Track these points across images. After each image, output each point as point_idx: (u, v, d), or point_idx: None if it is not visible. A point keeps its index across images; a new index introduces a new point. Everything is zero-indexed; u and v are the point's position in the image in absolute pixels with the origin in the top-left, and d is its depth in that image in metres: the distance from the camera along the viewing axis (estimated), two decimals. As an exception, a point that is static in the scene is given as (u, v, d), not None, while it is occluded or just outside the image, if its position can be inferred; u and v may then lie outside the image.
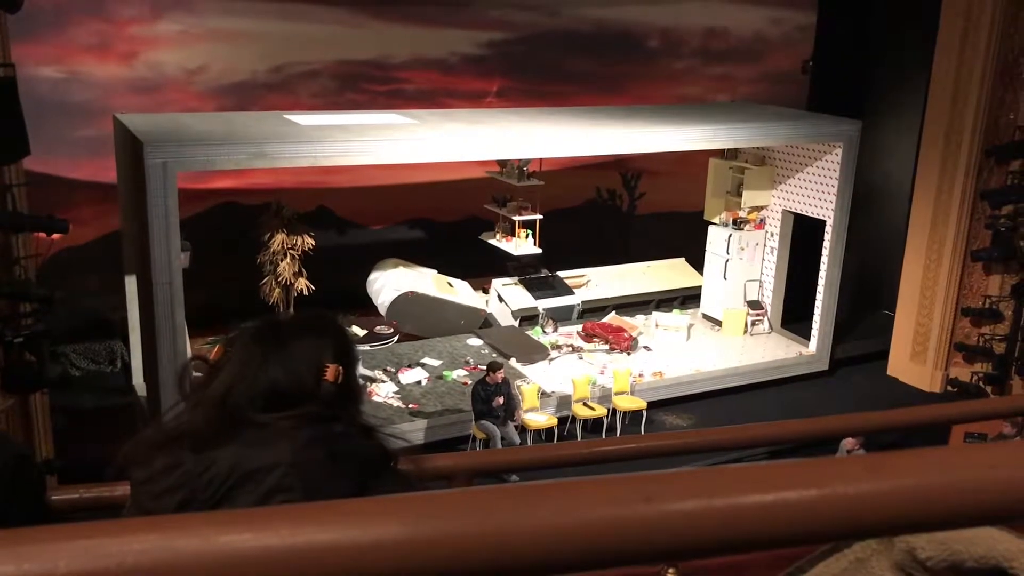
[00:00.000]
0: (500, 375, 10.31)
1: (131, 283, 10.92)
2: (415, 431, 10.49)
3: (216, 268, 13.30)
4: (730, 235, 13.86)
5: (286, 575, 0.60)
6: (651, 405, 11.56)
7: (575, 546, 0.62)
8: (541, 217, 13.28)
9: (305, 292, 12.54)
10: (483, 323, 13.74)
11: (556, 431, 10.95)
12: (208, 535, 0.61)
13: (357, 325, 12.24)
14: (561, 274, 14.61)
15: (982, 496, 0.65)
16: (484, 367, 10.95)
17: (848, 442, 8.68)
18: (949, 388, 13.05)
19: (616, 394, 11.56)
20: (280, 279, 12.36)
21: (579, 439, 10.82)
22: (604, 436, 10.92)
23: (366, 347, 12.04)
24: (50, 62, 12.33)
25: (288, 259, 12.30)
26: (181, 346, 9.53)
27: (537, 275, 14.44)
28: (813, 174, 13.24)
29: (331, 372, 1.60)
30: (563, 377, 11.83)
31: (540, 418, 10.91)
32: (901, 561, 0.98)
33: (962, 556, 0.94)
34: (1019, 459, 0.67)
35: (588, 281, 14.93)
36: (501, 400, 10.13)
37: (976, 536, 0.93)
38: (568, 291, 14.37)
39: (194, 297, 10.42)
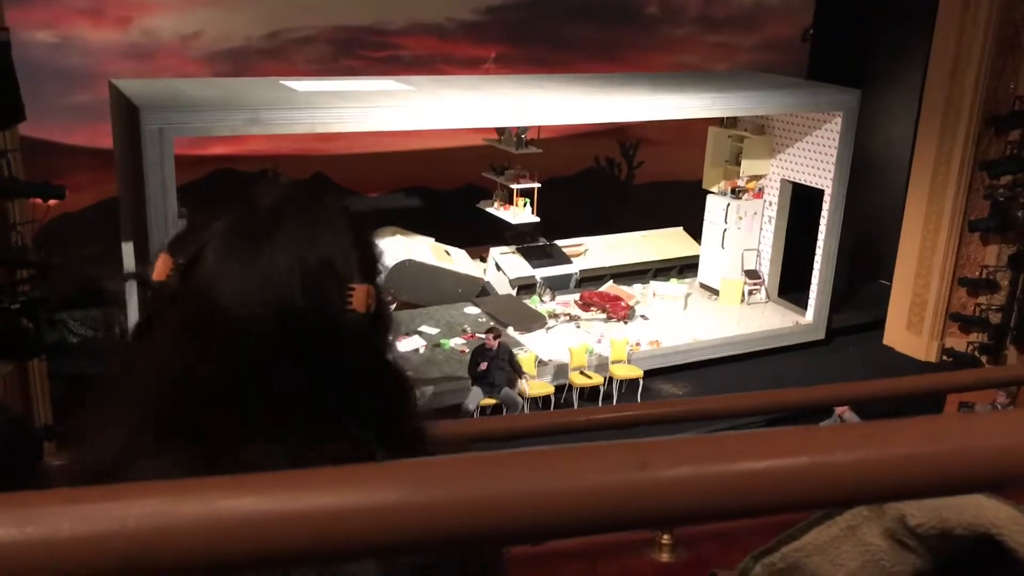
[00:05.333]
0: (493, 340, 10.32)
1: (128, 250, 10.90)
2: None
3: (213, 235, 13.23)
4: (728, 204, 13.84)
5: (287, 539, 0.61)
6: (648, 374, 11.61)
7: (570, 511, 0.63)
8: (539, 185, 13.24)
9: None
10: (480, 292, 13.75)
11: (553, 399, 11.01)
12: (210, 499, 0.61)
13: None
14: (559, 243, 14.59)
15: (974, 464, 0.66)
16: (481, 335, 10.99)
17: (840, 409, 8.75)
18: (944, 358, 13.10)
19: (613, 363, 11.61)
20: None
21: (576, 407, 10.88)
22: (601, 404, 10.98)
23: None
24: (44, 27, 12.20)
25: (285, 227, 12.26)
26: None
27: (535, 244, 14.43)
28: (812, 143, 13.19)
29: (360, 296, 0.97)
30: (560, 346, 11.87)
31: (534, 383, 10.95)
32: (892, 528, 0.99)
33: (951, 523, 0.95)
34: (1010, 427, 0.68)
35: (586, 250, 14.92)
36: (485, 365, 10.16)
37: (965, 503, 0.95)
38: (566, 260, 14.36)
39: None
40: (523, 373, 10.63)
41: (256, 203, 1.03)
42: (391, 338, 1.10)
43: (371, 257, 1.04)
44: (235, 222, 1.00)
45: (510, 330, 12.27)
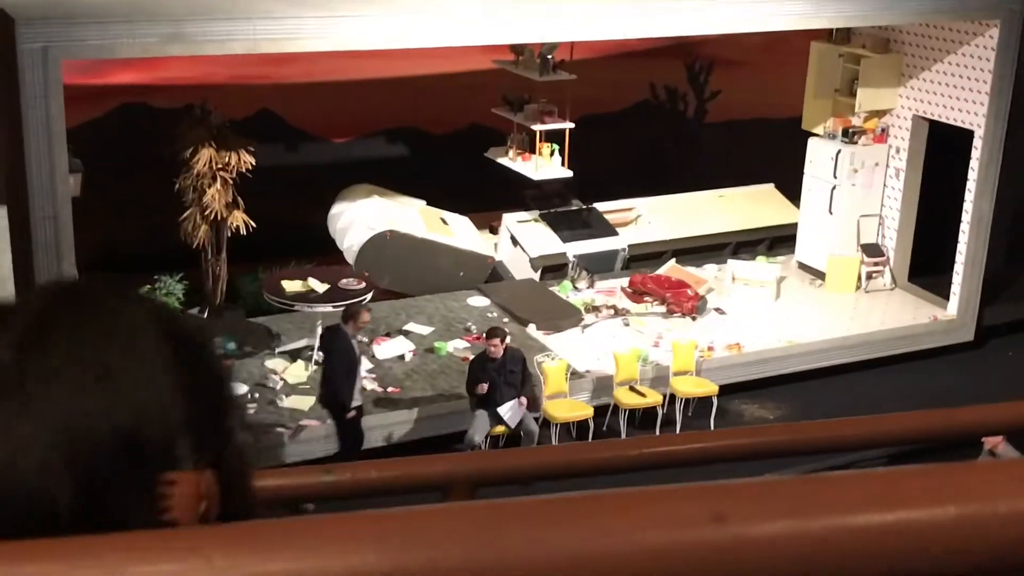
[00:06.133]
0: (499, 345, 10.25)
1: (0, 218, 10.96)
2: (395, 425, 10.57)
3: (118, 196, 13.33)
4: (839, 151, 13.76)
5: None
6: (724, 390, 11.59)
7: (619, 582, 0.63)
8: (572, 126, 13.20)
9: (242, 230, 12.56)
10: (490, 275, 13.74)
11: (592, 425, 11.01)
12: (117, 565, 0.62)
13: (315, 277, 12.29)
14: (600, 207, 14.55)
15: None
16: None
17: (991, 441, 8.71)
18: None
19: (675, 374, 11.59)
20: (208, 212, 12.38)
21: (623, 436, 10.87)
22: (658, 432, 10.97)
23: (328, 307, 12.10)
24: None
25: (218, 184, 12.31)
26: (71, 305, 9.58)
27: (566, 208, 14.40)
28: (957, 65, 13.08)
29: (184, 494, 0.86)
30: (602, 351, 11.86)
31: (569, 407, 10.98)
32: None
33: None
34: None
35: (638, 217, 14.88)
36: (485, 388, 10.14)
37: None
38: (609, 231, 14.33)
39: (88, 236, 10.44)
40: (529, 386, 10.56)
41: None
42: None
43: (214, 411, 0.91)
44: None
45: (531, 328, 12.26)
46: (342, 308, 10.63)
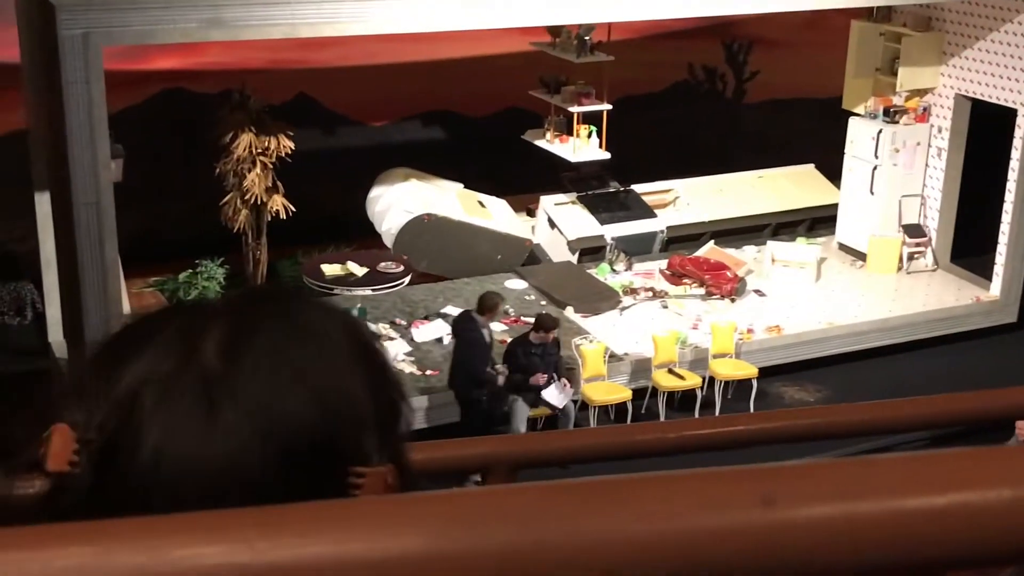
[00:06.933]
0: (551, 335, 10.32)
1: (43, 203, 11.08)
2: (434, 408, 10.60)
3: (159, 182, 13.44)
4: (880, 131, 13.66)
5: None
6: (764, 372, 11.56)
7: (663, 567, 0.63)
8: (610, 107, 13.16)
9: (282, 214, 12.64)
10: (528, 258, 13.75)
11: (630, 408, 11.01)
12: (158, 547, 0.62)
13: (353, 261, 12.34)
14: (637, 188, 14.52)
15: None
16: (532, 320, 10.99)
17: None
18: None
19: (715, 357, 11.57)
20: (247, 196, 12.47)
21: (662, 419, 10.87)
22: (698, 415, 10.96)
23: (367, 291, 12.16)
24: None
25: (258, 168, 12.39)
26: (113, 290, 9.67)
27: (604, 190, 14.38)
28: (999, 43, 12.94)
29: (373, 485, 0.90)
30: (640, 333, 11.86)
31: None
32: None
33: None
34: None
35: (676, 198, 14.84)
36: (543, 379, 10.18)
37: None
38: (648, 213, 14.30)
39: (130, 221, 10.54)
40: (562, 372, 10.57)
41: (199, 327, 0.92)
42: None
43: (393, 409, 0.97)
44: (171, 364, 0.89)
45: (569, 311, 12.27)
46: (480, 296, 10.66)
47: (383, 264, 12.38)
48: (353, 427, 0.90)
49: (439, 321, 12.10)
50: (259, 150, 12.33)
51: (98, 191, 9.36)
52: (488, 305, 10.22)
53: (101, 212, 9.41)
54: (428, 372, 11.19)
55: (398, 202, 13.48)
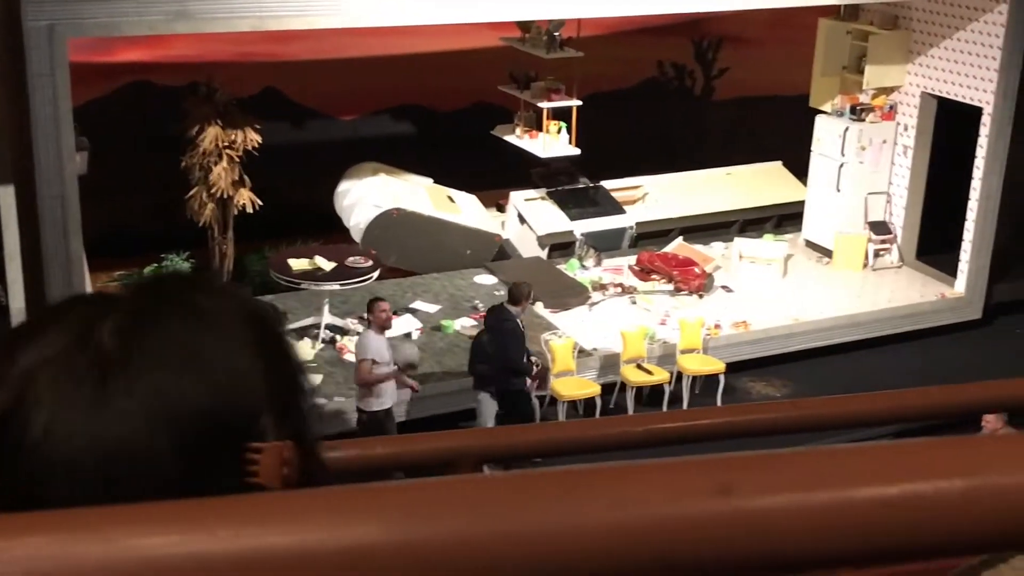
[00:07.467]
0: (523, 305, 10.34)
1: (7, 195, 10.97)
2: (402, 402, 10.57)
3: (125, 175, 13.34)
4: (847, 128, 13.72)
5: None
6: (731, 368, 11.59)
7: (620, 555, 0.63)
8: (580, 103, 13.16)
9: (249, 208, 12.56)
10: (497, 253, 13.74)
11: (599, 403, 11.03)
12: (114, 537, 0.61)
13: (321, 255, 12.29)
14: (607, 185, 14.53)
15: None
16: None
17: (991, 419, 8.68)
18: None
19: (683, 352, 11.60)
20: (214, 190, 12.39)
21: (630, 413, 10.89)
22: (665, 409, 10.99)
23: (335, 286, 12.11)
24: None
25: (225, 162, 12.31)
26: (78, 284, 9.60)
27: (573, 186, 14.38)
28: (966, 42, 13.02)
29: (269, 462, 0.94)
30: (609, 329, 11.88)
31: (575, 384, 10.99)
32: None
33: None
34: None
35: (645, 195, 14.86)
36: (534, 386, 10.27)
37: None
38: (617, 209, 14.31)
39: (95, 214, 10.46)
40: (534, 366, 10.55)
41: (99, 313, 0.94)
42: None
43: (292, 388, 0.99)
44: (67, 347, 0.91)
45: (539, 307, 12.27)
46: (510, 287, 10.63)
47: (351, 259, 12.32)
48: (247, 406, 0.92)
49: (408, 316, 12.08)
50: (226, 143, 12.25)
51: (63, 184, 9.29)
52: (522, 294, 10.26)
53: (66, 205, 9.34)
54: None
55: (367, 197, 13.44)
